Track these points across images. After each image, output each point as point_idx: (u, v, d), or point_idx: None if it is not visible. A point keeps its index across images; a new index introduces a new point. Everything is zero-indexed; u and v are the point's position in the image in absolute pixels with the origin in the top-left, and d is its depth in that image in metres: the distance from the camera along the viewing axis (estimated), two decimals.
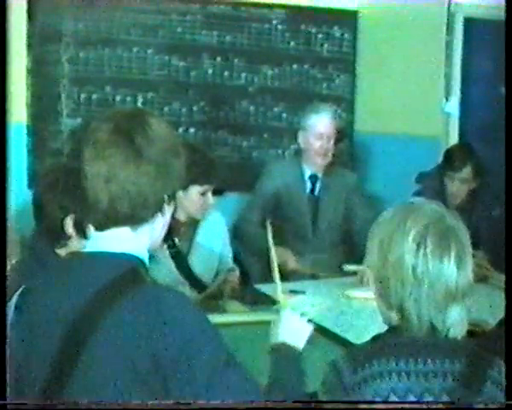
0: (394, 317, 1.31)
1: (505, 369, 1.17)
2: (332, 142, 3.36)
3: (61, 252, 1.86)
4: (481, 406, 1.11)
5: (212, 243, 2.80)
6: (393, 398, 1.21)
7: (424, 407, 1.16)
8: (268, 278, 2.74)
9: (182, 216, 2.68)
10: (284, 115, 3.80)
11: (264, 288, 2.64)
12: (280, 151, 3.93)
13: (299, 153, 3.51)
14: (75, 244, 1.83)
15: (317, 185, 3.43)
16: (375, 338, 1.37)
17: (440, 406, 1.17)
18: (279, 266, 2.80)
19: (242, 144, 3.86)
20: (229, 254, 2.90)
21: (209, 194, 2.65)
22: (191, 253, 2.72)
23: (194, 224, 2.75)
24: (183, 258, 2.68)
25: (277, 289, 1.83)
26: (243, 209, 3.36)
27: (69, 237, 1.84)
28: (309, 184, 3.42)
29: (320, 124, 3.31)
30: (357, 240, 3.22)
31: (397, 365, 1.24)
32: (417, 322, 1.28)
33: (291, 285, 2.69)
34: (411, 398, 1.20)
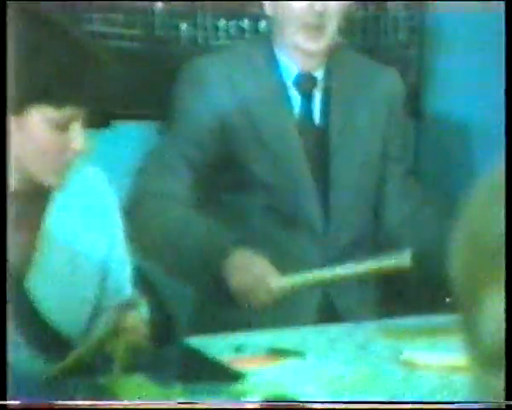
0: None
1: (505, 369, 1.23)
2: None
3: None
4: (481, 406, 1.19)
5: (84, 240, 2.28)
6: None
7: (424, 407, 1.67)
8: (213, 324, 2.66)
9: (13, 179, 2.15)
10: None
11: (204, 344, 2.28)
12: (246, 23, 3.16)
13: (265, 32, 2.97)
14: None
15: (316, 98, 2.79)
16: None
17: (440, 406, 1.70)
18: (251, 292, 2.70)
19: (155, 11, 3.15)
20: (124, 265, 2.34)
21: (75, 127, 2.16)
22: (34, 267, 2.27)
23: (40, 198, 2.26)
24: (17, 280, 2.17)
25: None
26: (148, 169, 2.75)
27: None
28: (297, 97, 2.75)
29: None
30: None
31: None
32: None
33: (274, 337, 2.35)
34: None
